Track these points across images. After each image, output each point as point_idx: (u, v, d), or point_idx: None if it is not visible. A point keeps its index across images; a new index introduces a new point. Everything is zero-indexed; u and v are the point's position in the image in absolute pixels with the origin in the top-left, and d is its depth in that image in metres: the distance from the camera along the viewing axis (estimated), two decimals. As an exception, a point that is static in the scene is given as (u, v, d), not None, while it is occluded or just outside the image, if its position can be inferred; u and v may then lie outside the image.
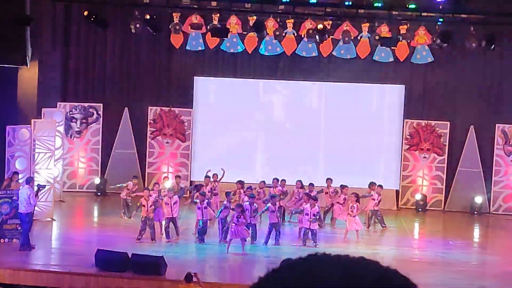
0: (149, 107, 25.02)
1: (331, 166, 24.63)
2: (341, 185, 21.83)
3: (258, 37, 23.62)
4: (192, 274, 14.36)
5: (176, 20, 23.55)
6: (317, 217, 19.51)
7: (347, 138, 24.79)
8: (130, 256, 16.18)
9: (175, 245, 18.96)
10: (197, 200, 19.42)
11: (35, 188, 18.30)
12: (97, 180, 24.84)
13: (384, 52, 23.73)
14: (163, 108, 24.93)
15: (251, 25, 23.09)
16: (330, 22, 23.19)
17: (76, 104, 25.01)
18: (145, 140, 25.17)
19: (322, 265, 1.79)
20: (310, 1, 23.00)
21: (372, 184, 22.05)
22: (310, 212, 19.14)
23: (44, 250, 18.44)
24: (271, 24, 23.34)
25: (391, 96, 25.02)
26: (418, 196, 24.63)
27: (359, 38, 23.52)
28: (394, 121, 24.96)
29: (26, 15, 21.55)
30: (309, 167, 24.63)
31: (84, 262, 16.56)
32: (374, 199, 21.66)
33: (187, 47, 24.25)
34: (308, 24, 23.17)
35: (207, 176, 21.77)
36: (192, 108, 25.08)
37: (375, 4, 22.58)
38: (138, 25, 22.96)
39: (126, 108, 25.02)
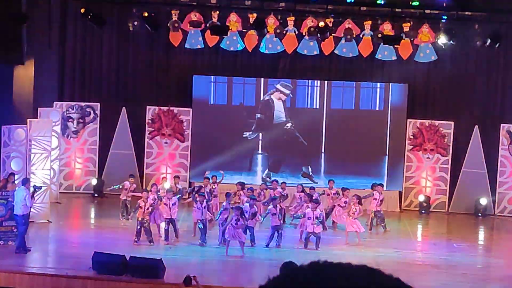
0: (147, 107, 24.68)
1: (332, 167, 24.38)
2: (343, 187, 21.56)
3: (259, 35, 23.42)
4: (191, 277, 14.17)
5: (174, 17, 23.40)
6: (320, 219, 19.15)
7: (349, 138, 24.47)
8: (128, 258, 15.98)
9: (174, 247, 18.72)
10: (198, 200, 19.18)
11: (31, 190, 18.01)
12: (94, 181, 24.49)
13: (387, 50, 23.46)
14: (161, 107, 24.60)
15: (251, 22, 22.91)
16: (332, 19, 23.07)
17: (72, 103, 24.67)
18: (143, 140, 24.83)
19: (323, 275, 1.77)
20: (312, -1, 22.87)
21: (374, 186, 21.82)
22: (313, 216, 18.82)
23: (40, 252, 18.21)
24: (271, 21, 23.17)
25: (394, 95, 24.66)
26: (421, 198, 24.26)
27: (361, 36, 23.35)
28: (397, 120, 24.60)
29: (22, 13, 21.36)
30: (310, 168, 24.35)
31: (81, 265, 16.29)
32: (375, 199, 21.37)
33: (186, 45, 23.97)
34: (309, 22, 22.99)
35: (206, 177, 21.52)
36: (191, 107, 24.74)
37: (378, 2, 22.48)
38: (136, 23, 22.91)
39: (124, 108, 24.69)
